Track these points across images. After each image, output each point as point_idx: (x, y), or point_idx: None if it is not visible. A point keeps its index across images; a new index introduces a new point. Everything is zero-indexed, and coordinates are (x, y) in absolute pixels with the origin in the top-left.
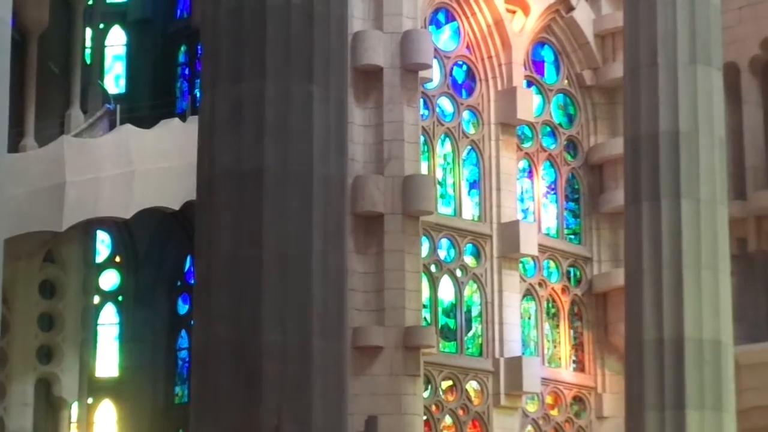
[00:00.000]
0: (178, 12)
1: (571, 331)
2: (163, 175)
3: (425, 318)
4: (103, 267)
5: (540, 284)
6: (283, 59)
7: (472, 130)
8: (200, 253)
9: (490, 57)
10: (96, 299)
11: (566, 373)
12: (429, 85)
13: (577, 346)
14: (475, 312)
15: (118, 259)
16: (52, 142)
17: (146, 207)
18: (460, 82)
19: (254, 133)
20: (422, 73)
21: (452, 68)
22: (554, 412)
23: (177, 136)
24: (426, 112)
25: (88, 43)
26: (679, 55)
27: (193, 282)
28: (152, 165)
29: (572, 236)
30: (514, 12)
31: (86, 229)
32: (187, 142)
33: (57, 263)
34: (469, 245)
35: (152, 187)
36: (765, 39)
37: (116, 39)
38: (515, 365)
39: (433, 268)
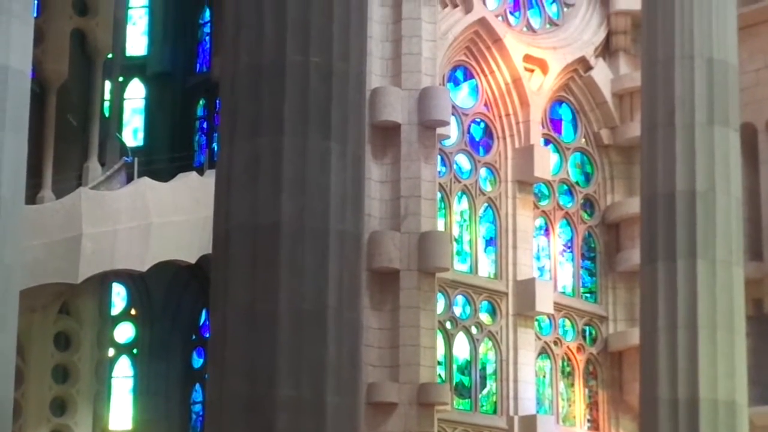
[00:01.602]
0: (198, 66)
1: (586, 390)
2: (179, 229)
3: (440, 375)
4: (118, 319)
5: (555, 342)
6: (301, 115)
7: (489, 188)
8: (215, 307)
9: (507, 115)
10: (111, 352)
11: None
12: (446, 142)
13: (592, 405)
14: (489, 369)
15: (133, 311)
16: (70, 194)
17: (162, 260)
18: (477, 139)
19: (271, 188)
20: (440, 130)
21: (470, 125)
22: None
23: (194, 190)
24: (443, 169)
25: (107, 95)
26: (697, 115)
27: (207, 336)
28: (169, 218)
29: (588, 295)
30: (532, 70)
31: (102, 282)
32: (204, 196)
33: (72, 315)
34: (485, 302)
35: (168, 241)
36: None
37: (135, 92)
38: (530, 423)
39: (448, 325)
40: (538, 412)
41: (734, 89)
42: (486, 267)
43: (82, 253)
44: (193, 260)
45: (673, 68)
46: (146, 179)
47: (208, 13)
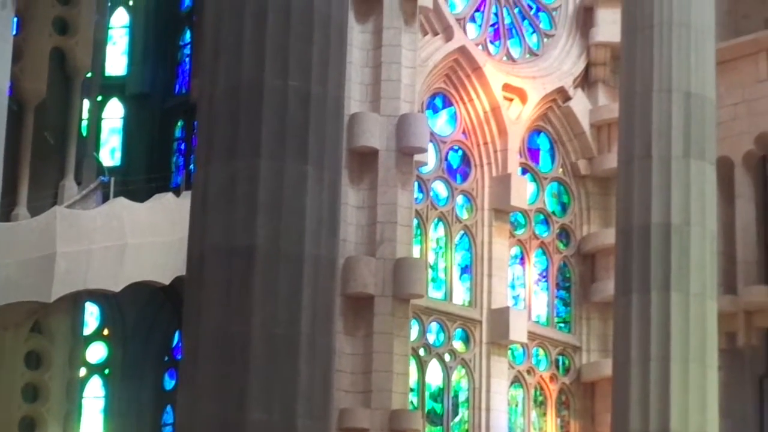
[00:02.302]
0: (177, 87)
1: (558, 420)
2: (154, 250)
3: (412, 402)
4: (90, 339)
5: (528, 372)
6: (278, 138)
7: (465, 215)
8: (188, 329)
9: (485, 143)
10: (82, 372)
11: None
12: (424, 169)
13: None
14: (462, 397)
15: (106, 331)
16: (45, 212)
17: (136, 281)
18: (455, 167)
19: (247, 211)
20: (417, 157)
21: (448, 153)
22: None
23: (170, 211)
24: (420, 196)
25: (85, 114)
26: (673, 148)
27: (180, 357)
28: (144, 239)
29: (562, 324)
30: (511, 100)
31: (75, 301)
32: (179, 217)
33: (44, 334)
34: (459, 330)
35: (143, 261)
36: (759, 135)
37: (114, 112)
38: None
39: (421, 352)
40: None
41: (711, 123)
42: (461, 295)
43: (55, 271)
44: (167, 281)
45: (651, 101)
46: (122, 199)
47: (188, 35)
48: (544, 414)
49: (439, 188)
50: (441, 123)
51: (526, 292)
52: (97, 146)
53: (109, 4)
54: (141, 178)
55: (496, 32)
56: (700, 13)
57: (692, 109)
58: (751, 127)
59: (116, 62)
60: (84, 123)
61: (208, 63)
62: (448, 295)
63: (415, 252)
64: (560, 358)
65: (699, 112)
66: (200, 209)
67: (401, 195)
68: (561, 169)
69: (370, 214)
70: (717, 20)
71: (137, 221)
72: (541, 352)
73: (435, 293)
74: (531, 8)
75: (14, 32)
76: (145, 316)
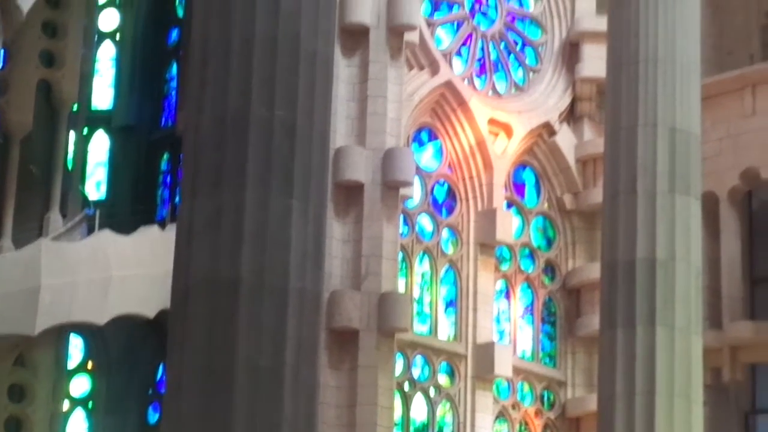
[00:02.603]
0: (163, 120)
1: None
2: (139, 282)
3: None
4: (74, 372)
5: (513, 406)
6: (264, 171)
7: (450, 250)
8: (172, 362)
9: (471, 177)
10: (66, 405)
11: None
12: (409, 203)
13: None
14: None
15: (90, 364)
16: (29, 245)
17: (121, 314)
18: (440, 201)
19: (231, 244)
20: (403, 191)
21: (433, 187)
22: None
23: (155, 244)
24: (405, 230)
25: (71, 147)
26: (659, 183)
27: (164, 391)
28: (129, 271)
29: (547, 359)
30: (497, 134)
31: (59, 334)
32: (165, 250)
33: (28, 367)
34: (444, 364)
35: (128, 294)
36: (744, 170)
37: (99, 144)
38: None
39: (406, 386)
40: None
41: (696, 158)
42: (446, 329)
43: (40, 304)
44: (152, 314)
45: (636, 136)
46: (107, 232)
47: (174, 68)
48: None
49: (425, 222)
50: (427, 157)
51: (511, 326)
52: (82, 179)
53: (96, 37)
54: (126, 210)
55: (482, 67)
56: (685, 48)
57: (677, 144)
58: (736, 162)
59: (103, 95)
60: (70, 155)
61: (195, 94)
62: (433, 330)
63: (401, 286)
64: (545, 392)
65: (684, 147)
66: (185, 242)
67: (386, 229)
68: (546, 204)
69: (355, 248)
70: (702, 56)
71: (122, 254)
72: (526, 386)
73: (420, 327)
74: (517, 43)
75: (1, 65)
76: (129, 349)
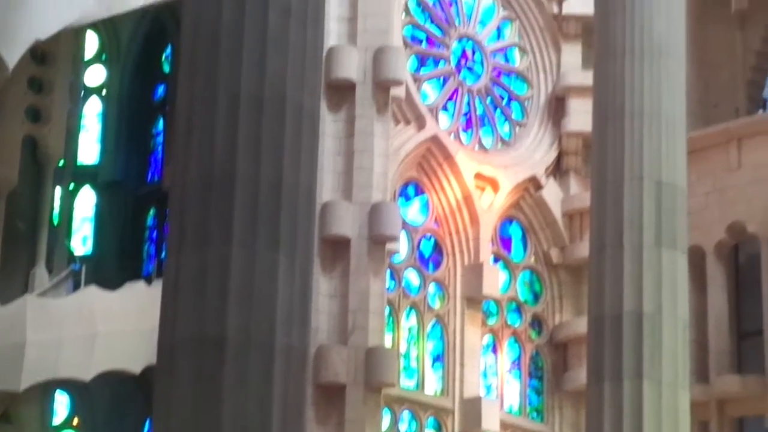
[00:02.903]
0: (149, 175)
1: None
2: (125, 338)
3: None
4: (60, 429)
5: None
6: (250, 226)
7: (437, 304)
8: (158, 419)
9: (458, 232)
10: None
11: None
12: (396, 258)
13: None
14: None
15: (76, 421)
16: (15, 300)
17: (107, 370)
18: (427, 255)
19: (218, 300)
20: (390, 245)
21: (420, 241)
22: None
23: (141, 299)
24: (392, 284)
25: (57, 202)
26: (645, 237)
27: None
28: (115, 327)
29: (535, 414)
30: (483, 188)
31: (45, 390)
32: (151, 306)
33: (13, 423)
34: (431, 419)
35: (114, 350)
36: (731, 224)
37: (86, 200)
38: None
39: None
40: None
41: (682, 212)
42: (433, 384)
43: (25, 360)
44: (138, 370)
45: (623, 190)
46: (93, 287)
47: (161, 124)
48: None
49: (411, 277)
50: (413, 211)
51: (498, 381)
52: (68, 234)
53: (83, 92)
54: (113, 266)
55: (468, 121)
56: (671, 102)
57: (664, 198)
58: (722, 216)
59: (89, 150)
60: (56, 211)
61: (181, 150)
62: (420, 385)
63: (387, 341)
64: None
65: (670, 201)
66: (171, 298)
67: (373, 283)
68: (533, 258)
69: (342, 303)
70: (688, 109)
71: (108, 310)
72: None
73: (407, 382)
74: (503, 98)
75: None
76: (115, 405)
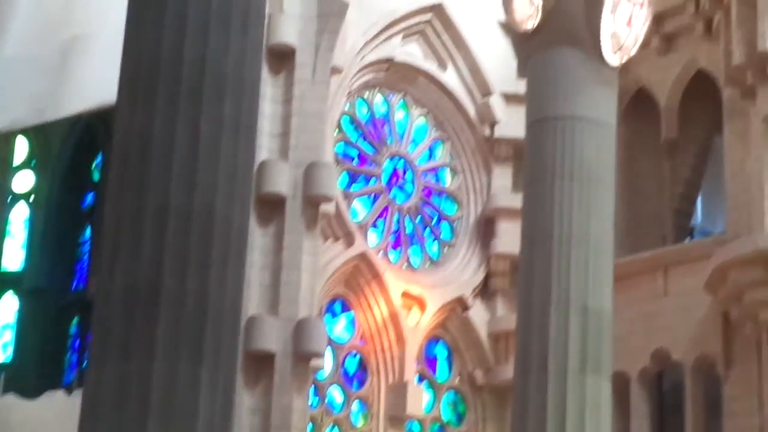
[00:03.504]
0: (74, 284)
1: None
2: None
3: None
4: None
5: None
6: (173, 340)
7: (360, 422)
8: None
9: (383, 350)
10: None
11: None
12: (320, 374)
13: None
14: None
15: None
16: None
17: None
18: (351, 373)
19: (138, 414)
20: (314, 362)
21: (345, 358)
22: None
23: (61, 409)
24: (315, 401)
25: None
26: (570, 362)
27: None
28: None
29: None
30: (410, 307)
31: None
32: (70, 416)
33: None
34: None
35: None
36: (655, 351)
37: (8, 306)
38: None
39: None
40: None
41: (608, 338)
42: None
43: None
44: None
45: (549, 313)
46: (11, 396)
47: (88, 232)
48: None
49: (335, 394)
50: (339, 328)
51: None
52: None
53: (10, 197)
54: (33, 374)
55: (397, 240)
56: (599, 228)
57: (589, 323)
58: (647, 342)
59: (13, 256)
60: None
61: (107, 261)
62: None
63: None
64: None
65: (596, 326)
66: (91, 410)
67: (296, 399)
68: (458, 379)
69: (265, 419)
70: (616, 236)
71: (26, 419)
72: None
73: None
74: (432, 218)
75: None
76: None
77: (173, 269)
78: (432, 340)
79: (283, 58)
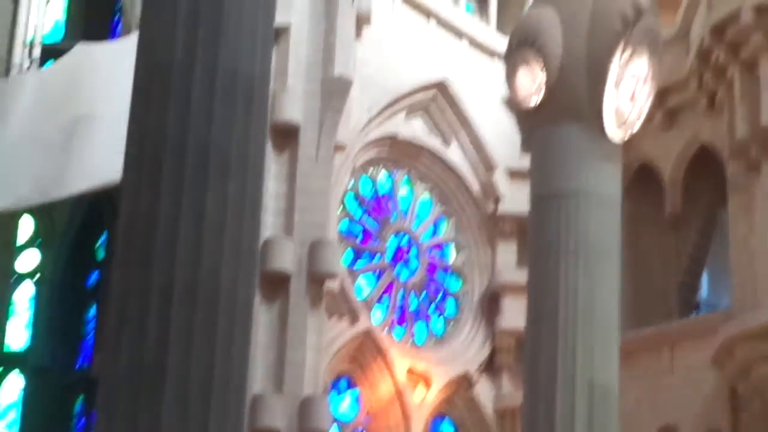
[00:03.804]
0: (79, 362)
1: None
2: None
3: None
4: None
5: None
6: (179, 419)
7: None
8: None
9: (389, 427)
10: None
11: None
12: None
13: None
14: None
15: None
16: None
17: None
18: None
19: None
20: None
21: None
22: None
23: None
24: None
25: None
26: None
27: None
28: None
29: None
30: (415, 384)
31: None
32: None
33: None
34: None
35: None
36: (662, 427)
37: (13, 386)
38: None
39: None
40: None
41: (614, 414)
42: None
43: None
44: None
45: (555, 390)
46: None
47: (94, 310)
48: None
49: None
50: (344, 406)
51: None
52: None
53: (15, 277)
54: None
55: (402, 317)
56: (604, 304)
57: (596, 399)
58: (654, 418)
59: (18, 335)
60: None
61: (112, 339)
62: None
63: None
64: None
65: (603, 402)
66: None
67: None
68: None
69: None
70: (621, 311)
71: None
72: None
73: None
74: (437, 294)
75: None
76: None
77: (178, 348)
78: (438, 417)
79: (287, 135)
